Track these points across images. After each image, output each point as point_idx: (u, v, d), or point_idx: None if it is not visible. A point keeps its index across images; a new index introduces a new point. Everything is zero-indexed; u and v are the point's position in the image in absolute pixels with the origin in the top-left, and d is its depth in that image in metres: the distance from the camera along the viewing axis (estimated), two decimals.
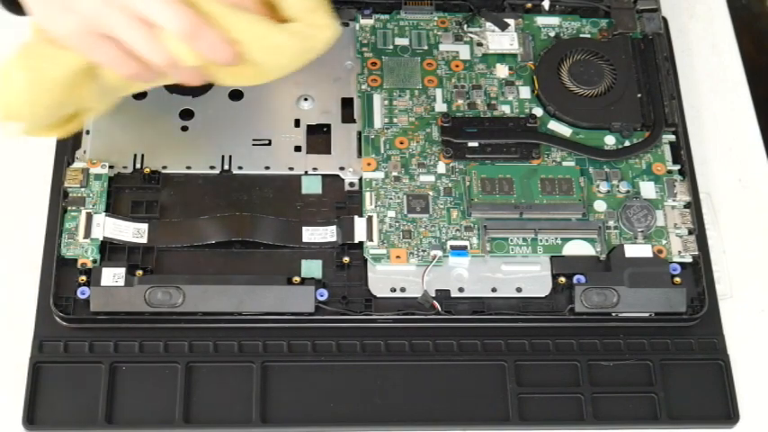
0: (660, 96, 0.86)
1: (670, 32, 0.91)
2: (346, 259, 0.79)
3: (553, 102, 0.85)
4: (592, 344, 0.78)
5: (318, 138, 0.83)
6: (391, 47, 0.88)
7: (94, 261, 0.77)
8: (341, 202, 0.81)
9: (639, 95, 0.86)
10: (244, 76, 0.74)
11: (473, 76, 0.87)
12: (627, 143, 0.84)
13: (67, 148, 0.81)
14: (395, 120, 0.84)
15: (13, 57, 0.72)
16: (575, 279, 0.79)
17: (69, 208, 0.79)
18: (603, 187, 0.82)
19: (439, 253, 0.79)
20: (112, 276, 0.76)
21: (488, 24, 0.89)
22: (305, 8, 0.72)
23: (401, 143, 0.83)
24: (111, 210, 0.79)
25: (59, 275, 0.76)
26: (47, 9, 0.71)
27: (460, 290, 0.78)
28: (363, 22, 0.88)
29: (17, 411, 0.73)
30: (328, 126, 0.84)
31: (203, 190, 0.81)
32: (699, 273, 0.79)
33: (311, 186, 0.82)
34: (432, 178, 0.82)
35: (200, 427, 0.74)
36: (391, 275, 0.78)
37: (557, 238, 0.80)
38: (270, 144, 0.83)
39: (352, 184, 0.82)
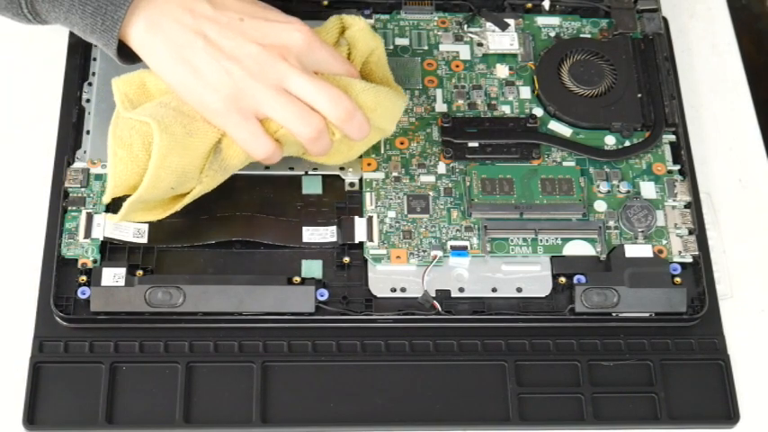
0: (660, 96, 0.86)
1: (670, 32, 0.91)
2: (346, 259, 0.79)
3: (553, 102, 0.85)
4: (592, 344, 0.78)
5: None
6: (391, 47, 0.88)
7: (95, 261, 0.77)
8: (341, 202, 0.81)
9: (639, 95, 0.86)
10: (340, 155, 0.79)
11: (473, 77, 0.87)
12: (627, 143, 0.84)
13: (67, 148, 0.81)
14: None
15: (140, 125, 0.73)
16: (575, 279, 0.79)
17: (69, 208, 0.79)
18: (604, 187, 0.82)
19: (439, 253, 0.79)
20: (113, 276, 0.76)
21: (488, 24, 0.89)
22: (386, 78, 0.80)
23: (401, 143, 0.83)
24: (112, 210, 0.79)
25: (59, 275, 0.76)
26: (199, 84, 0.72)
27: (461, 290, 0.78)
28: None
29: (17, 411, 0.73)
30: None
31: None
32: (699, 273, 0.79)
33: (311, 186, 0.82)
34: (432, 178, 0.82)
35: (200, 427, 0.74)
36: (391, 275, 0.78)
37: (557, 239, 0.80)
38: None
39: (352, 185, 0.82)
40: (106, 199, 0.76)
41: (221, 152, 0.75)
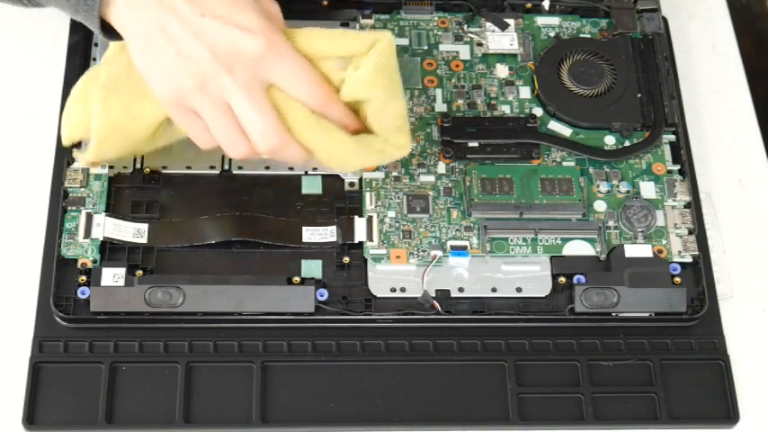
0: (660, 96, 0.86)
1: (670, 32, 0.91)
2: (346, 259, 0.79)
3: (553, 102, 0.85)
4: (592, 344, 0.78)
5: None
6: None
7: (94, 261, 0.77)
8: (341, 202, 0.81)
9: (639, 95, 0.86)
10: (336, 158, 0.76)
11: (473, 76, 0.87)
12: (627, 143, 0.84)
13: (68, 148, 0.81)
14: None
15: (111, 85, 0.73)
16: (575, 279, 0.79)
17: (69, 208, 0.79)
18: (603, 187, 0.82)
19: (439, 253, 0.79)
20: (112, 276, 0.76)
21: (488, 24, 0.89)
22: (392, 127, 0.75)
23: None
24: (112, 210, 0.79)
25: (59, 275, 0.76)
26: (154, 71, 0.72)
27: (460, 290, 0.78)
28: (363, 21, 0.88)
29: (17, 411, 0.73)
30: None
31: (203, 190, 0.81)
32: (699, 273, 0.79)
33: (311, 186, 0.82)
34: (432, 178, 0.82)
35: (200, 427, 0.74)
36: (391, 275, 0.78)
37: (557, 238, 0.80)
38: None
39: (352, 184, 0.82)
40: (66, 142, 0.77)
41: (173, 124, 0.75)
